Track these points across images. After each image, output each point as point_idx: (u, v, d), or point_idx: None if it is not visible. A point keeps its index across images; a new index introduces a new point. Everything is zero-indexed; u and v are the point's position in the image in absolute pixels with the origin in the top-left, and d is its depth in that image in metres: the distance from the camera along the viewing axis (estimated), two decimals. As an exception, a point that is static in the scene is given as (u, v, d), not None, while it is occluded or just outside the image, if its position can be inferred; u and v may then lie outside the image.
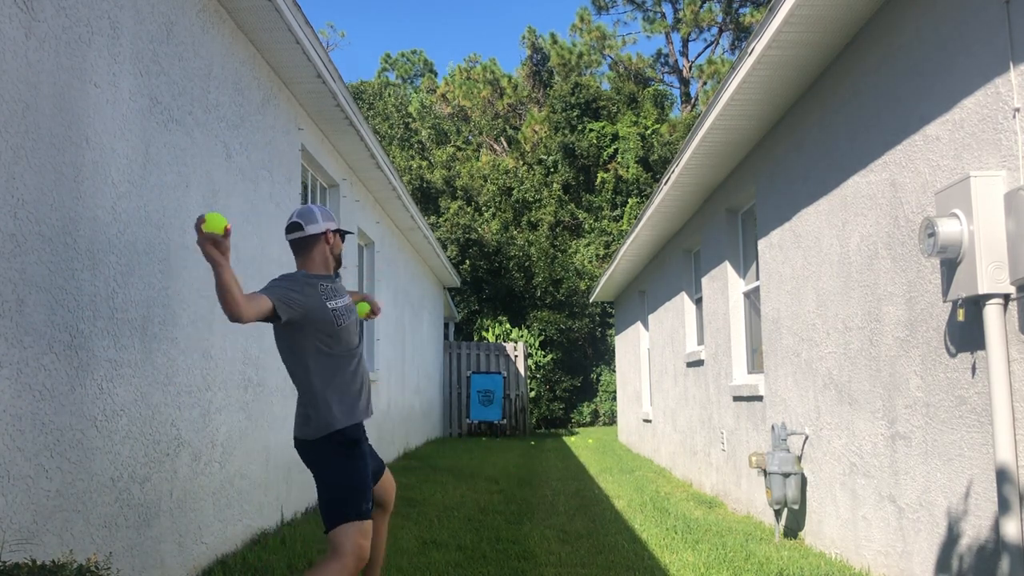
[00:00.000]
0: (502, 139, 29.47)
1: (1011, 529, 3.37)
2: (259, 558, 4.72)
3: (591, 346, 23.93)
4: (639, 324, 13.90)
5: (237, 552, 4.90)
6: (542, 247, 23.26)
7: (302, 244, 3.36)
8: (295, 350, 3.21)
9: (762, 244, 6.62)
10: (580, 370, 23.54)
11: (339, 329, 3.25)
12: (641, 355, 13.81)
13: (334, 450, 3.17)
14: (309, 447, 3.21)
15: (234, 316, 2.80)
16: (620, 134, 24.28)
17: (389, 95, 32.25)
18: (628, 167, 23.80)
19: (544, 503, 7.51)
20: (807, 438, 5.73)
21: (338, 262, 3.48)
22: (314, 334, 3.19)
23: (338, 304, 3.29)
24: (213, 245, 2.72)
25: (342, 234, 3.52)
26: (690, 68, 28.85)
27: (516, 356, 18.15)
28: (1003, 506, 3.39)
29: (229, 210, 4.98)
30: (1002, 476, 3.40)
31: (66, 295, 3.23)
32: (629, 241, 11.00)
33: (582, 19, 28.30)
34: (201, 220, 2.70)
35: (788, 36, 4.88)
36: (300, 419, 3.24)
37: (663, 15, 28.65)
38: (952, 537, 3.91)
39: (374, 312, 3.79)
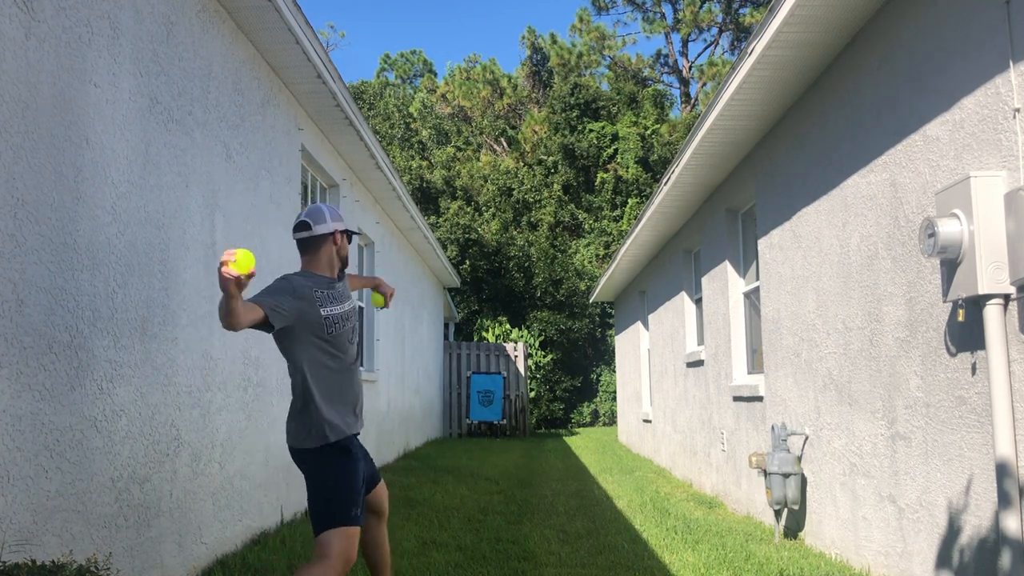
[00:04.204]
0: (502, 139, 29.47)
1: (1011, 524, 3.37)
2: (259, 558, 4.72)
3: (591, 346, 23.94)
4: (639, 324, 13.90)
5: (237, 552, 4.90)
6: (542, 247, 23.26)
7: (309, 244, 3.32)
8: (292, 356, 3.20)
9: (762, 244, 6.62)
10: (580, 370, 23.54)
11: (331, 336, 3.22)
12: (641, 355, 13.81)
13: (326, 458, 3.17)
14: (303, 454, 3.20)
15: (229, 326, 2.79)
16: (620, 134, 24.29)
17: (390, 95, 32.26)
18: (628, 167, 23.81)
19: (544, 503, 7.51)
20: (807, 438, 5.73)
21: (344, 263, 3.45)
22: (309, 340, 3.17)
23: (333, 311, 3.25)
24: (235, 283, 2.66)
25: (349, 235, 3.48)
26: (690, 68, 28.85)
27: (516, 356, 18.15)
28: (1003, 501, 3.39)
29: (229, 210, 4.98)
30: (1002, 471, 3.40)
31: (66, 295, 3.23)
32: (629, 241, 11.00)
33: (582, 19, 28.31)
34: (231, 256, 2.64)
35: (788, 36, 4.88)
36: (293, 426, 3.21)
37: (663, 15, 28.66)
38: (952, 537, 3.91)
39: (387, 300, 3.81)
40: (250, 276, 2.70)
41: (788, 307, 6.07)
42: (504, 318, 22.61)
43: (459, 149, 29.22)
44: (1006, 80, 3.45)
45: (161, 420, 4.04)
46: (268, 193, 5.72)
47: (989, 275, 3.45)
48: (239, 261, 2.67)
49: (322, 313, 3.19)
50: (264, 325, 3.00)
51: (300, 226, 3.32)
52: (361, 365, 9.57)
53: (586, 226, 24.54)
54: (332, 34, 45.53)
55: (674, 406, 10.62)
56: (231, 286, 2.65)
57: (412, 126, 30.24)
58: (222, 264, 2.62)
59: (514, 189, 25.49)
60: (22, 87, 2.97)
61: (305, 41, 5.40)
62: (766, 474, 5.75)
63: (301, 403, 3.19)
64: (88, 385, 3.38)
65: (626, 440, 15.71)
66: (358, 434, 3.35)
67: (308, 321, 3.15)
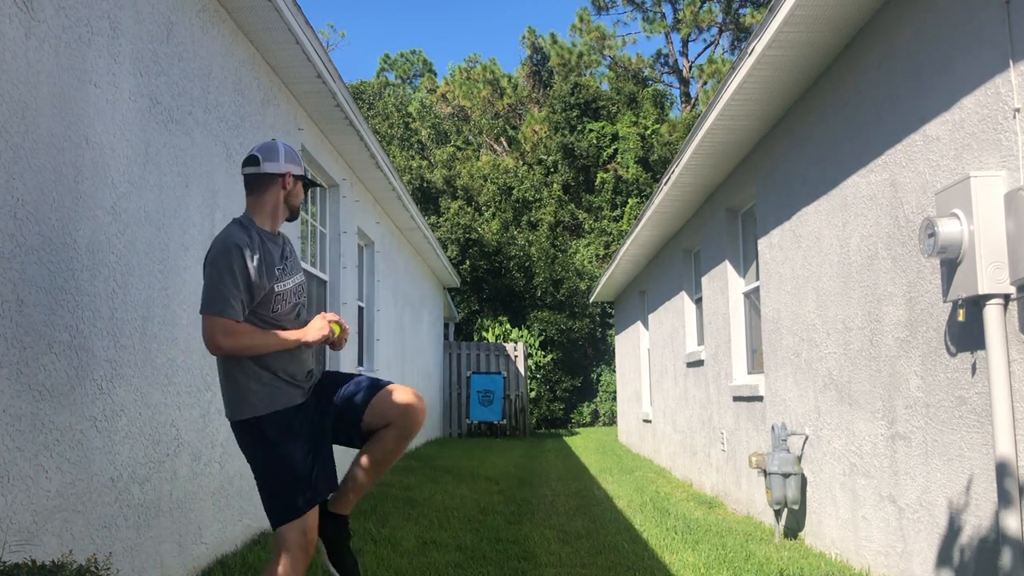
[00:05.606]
0: (502, 139, 29.48)
1: (1012, 523, 3.37)
2: (259, 558, 4.72)
3: (591, 346, 23.94)
4: (639, 324, 13.90)
5: (237, 552, 4.90)
6: (542, 247, 23.26)
7: (255, 182, 2.99)
8: None
9: (762, 244, 6.62)
10: (580, 370, 23.54)
11: (273, 314, 2.92)
12: (641, 355, 13.81)
13: (254, 438, 2.86)
14: (233, 428, 2.92)
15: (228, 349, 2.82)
16: (620, 134, 24.29)
17: (389, 95, 32.27)
18: (628, 167, 23.81)
19: (544, 503, 7.51)
20: (807, 438, 5.73)
21: (294, 213, 3.12)
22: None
23: (285, 286, 2.95)
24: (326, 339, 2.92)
25: (307, 183, 3.13)
26: (690, 68, 28.86)
27: (516, 356, 18.15)
28: (1003, 500, 3.39)
29: (229, 210, 4.98)
30: (1002, 471, 3.40)
31: (66, 295, 3.23)
32: (629, 241, 11.00)
33: (582, 19, 28.32)
34: (333, 336, 2.98)
35: (788, 36, 4.88)
36: (223, 395, 2.93)
37: (663, 15, 28.66)
38: (952, 537, 3.91)
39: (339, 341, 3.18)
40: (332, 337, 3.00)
41: (788, 307, 6.07)
42: (504, 318, 22.61)
43: (459, 149, 29.22)
44: (1006, 80, 3.45)
45: (161, 420, 4.04)
46: (268, 193, 5.71)
47: (989, 275, 3.45)
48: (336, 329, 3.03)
49: (275, 289, 2.91)
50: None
51: (249, 160, 3.00)
52: (360, 365, 9.57)
53: (586, 226, 24.54)
54: (332, 34, 45.53)
55: (674, 406, 10.61)
56: (325, 338, 2.93)
57: (412, 126, 30.24)
58: (336, 338, 2.98)
59: (514, 189, 25.49)
60: (22, 87, 2.97)
61: (305, 41, 5.40)
62: (766, 474, 5.75)
63: (221, 369, 2.92)
64: (88, 385, 3.37)
65: (626, 440, 15.70)
66: (301, 404, 2.97)
67: (254, 295, 2.87)
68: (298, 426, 2.91)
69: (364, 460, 3.06)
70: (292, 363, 2.96)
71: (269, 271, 2.89)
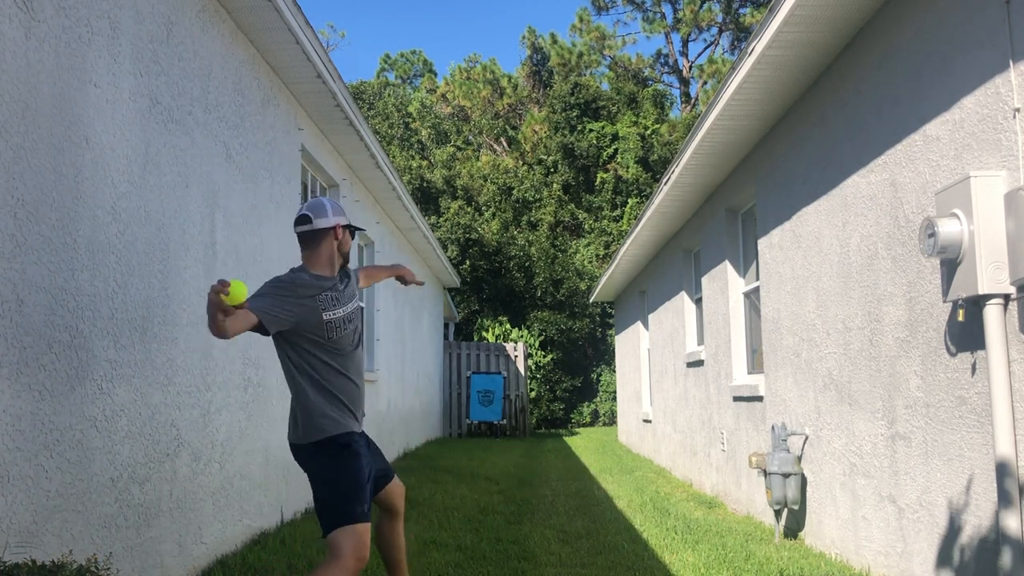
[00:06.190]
0: (502, 139, 29.48)
1: (1012, 523, 3.37)
2: (259, 558, 4.72)
3: (591, 346, 23.94)
4: (639, 324, 13.90)
5: (237, 552, 4.90)
6: (542, 247, 23.26)
7: (310, 238, 3.29)
8: (288, 354, 3.21)
9: (762, 244, 6.62)
10: (580, 370, 23.54)
11: (331, 341, 3.21)
12: (641, 355, 13.81)
13: (325, 454, 3.17)
14: (301, 450, 3.22)
15: (217, 334, 2.81)
16: (620, 134, 24.29)
17: (389, 95, 32.27)
18: (628, 167, 23.81)
19: (544, 503, 7.51)
20: (807, 438, 5.73)
21: (346, 259, 3.42)
22: (307, 343, 3.18)
23: (335, 315, 3.23)
24: (221, 309, 2.71)
25: (352, 230, 3.46)
26: (690, 68, 28.86)
27: (516, 356, 18.14)
28: (1003, 500, 3.40)
29: (229, 210, 4.98)
30: (1002, 471, 3.41)
31: (66, 295, 3.23)
32: (629, 241, 11.00)
33: (582, 19, 28.32)
34: (225, 289, 2.62)
35: (788, 36, 4.88)
36: (292, 421, 3.25)
37: (663, 15, 28.66)
38: (952, 537, 3.91)
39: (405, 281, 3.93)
40: (240, 307, 2.74)
41: (788, 307, 6.07)
42: (504, 318, 22.61)
43: (459, 149, 29.23)
44: (1006, 80, 3.45)
45: (161, 420, 4.04)
46: (268, 193, 5.72)
47: (989, 275, 3.45)
48: (232, 295, 2.66)
49: (324, 317, 3.17)
50: (259, 328, 3.03)
51: (301, 219, 3.29)
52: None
53: (586, 226, 24.54)
54: (332, 34, 45.55)
55: (674, 406, 10.62)
56: (216, 311, 2.71)
57: (412, 126, 30.25)
58: (214, 292, 2.63)
59: (514, 188, 25.49)
60: (22, 87, 2.98)
61: (305, 41, 5.40)
62: (766, 474, 5.75)
63: (298, 402, 3.21)
64: (88, 385, 3.38)
65: (626, 440, 15.71)
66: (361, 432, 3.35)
67: (308, 324, 3.15)
68: (360, 448, 3.26)
69: (391, 557, 3.59)
70: (356, 398, 3.31)
71: (311, 299, 3.17)
